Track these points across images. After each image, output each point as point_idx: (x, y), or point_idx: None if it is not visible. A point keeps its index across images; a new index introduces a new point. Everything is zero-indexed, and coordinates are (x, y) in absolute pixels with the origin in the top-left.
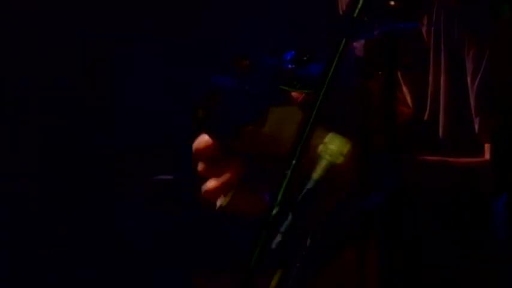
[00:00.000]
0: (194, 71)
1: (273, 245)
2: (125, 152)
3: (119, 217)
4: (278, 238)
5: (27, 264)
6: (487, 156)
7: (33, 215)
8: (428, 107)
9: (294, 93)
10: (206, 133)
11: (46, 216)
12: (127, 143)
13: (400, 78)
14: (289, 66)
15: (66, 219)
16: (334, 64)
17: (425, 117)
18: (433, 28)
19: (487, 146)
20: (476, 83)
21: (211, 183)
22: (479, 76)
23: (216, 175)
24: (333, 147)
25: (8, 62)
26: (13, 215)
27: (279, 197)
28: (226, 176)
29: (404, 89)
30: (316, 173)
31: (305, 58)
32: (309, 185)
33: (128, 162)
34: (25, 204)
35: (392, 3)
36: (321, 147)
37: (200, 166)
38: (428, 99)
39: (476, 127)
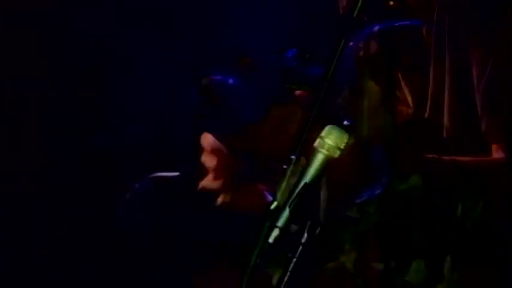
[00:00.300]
0: (194, 71)
1: (271, 240)
2: (125, 152)
3: (119, 217)
4: (275, 233)
5: (27, 264)
6: (495, 155)
7: (33, 215)
8: (428, 106)
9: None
10: (210, 133)
11: (46, 216)
12: (127, 143)
13: (400, 78)
14: (292, 63)
15: (66, 219)
16: (334, 63)
17: (426, 115)
18: (434, 28)
19: (494, 146)
20: (482, 84)
21: (209, 176)
22: (485, 76)
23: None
24: (329, 141)
25: (8, 62)
26: (13, 215)
27: (278, 192)
28: (223, 166)
29: (405, 88)
30: (313, 168)
31: (307, 56)
32: (306, 180)
33: (128, 162)
34: (25, 204)
35: (392, 3)
36: (317, 142)
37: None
38: (429, 98)
39: (483, 127)
